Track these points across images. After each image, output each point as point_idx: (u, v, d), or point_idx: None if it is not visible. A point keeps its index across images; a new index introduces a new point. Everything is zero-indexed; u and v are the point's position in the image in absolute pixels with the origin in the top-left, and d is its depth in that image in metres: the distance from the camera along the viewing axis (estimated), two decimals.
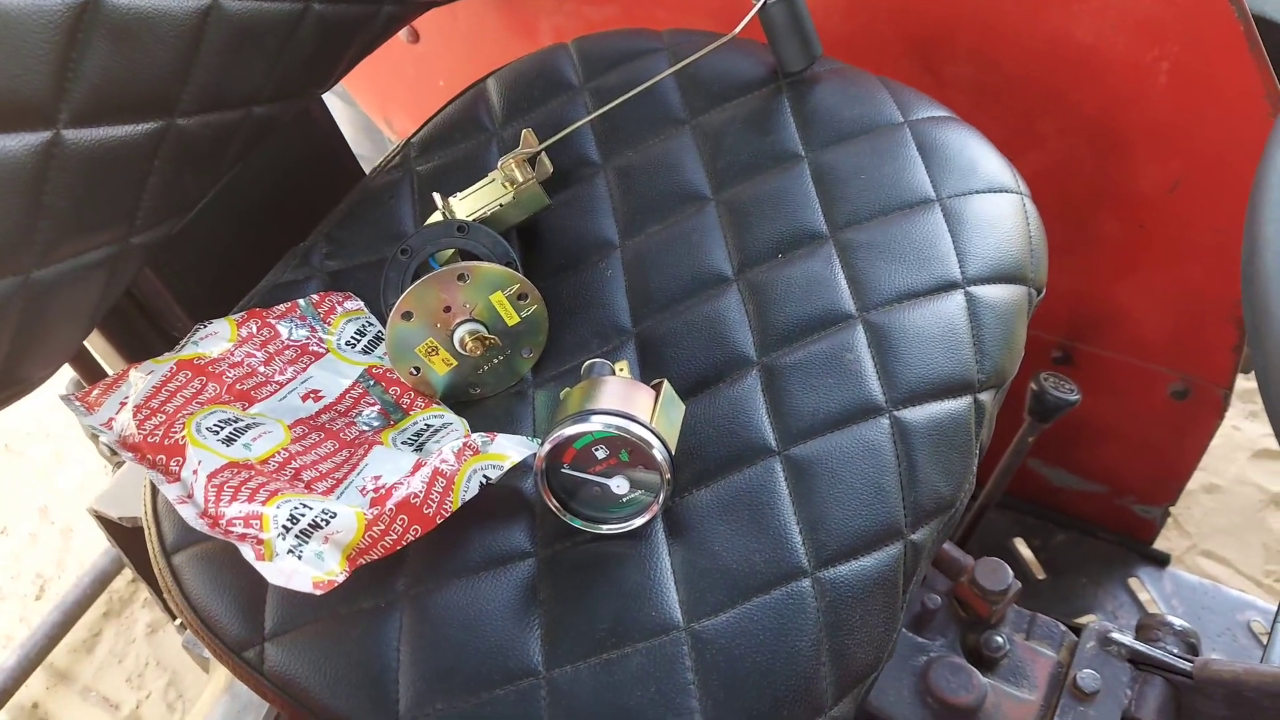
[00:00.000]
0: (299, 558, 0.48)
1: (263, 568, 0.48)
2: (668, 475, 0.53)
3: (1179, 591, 1.29)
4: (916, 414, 0.58)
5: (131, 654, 1.64)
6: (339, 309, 0.66)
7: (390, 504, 0.51)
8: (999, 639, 0.88)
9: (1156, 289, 1.05)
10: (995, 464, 1.05)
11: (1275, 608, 1.23)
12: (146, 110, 0.54)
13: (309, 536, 0.49)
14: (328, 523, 0.49)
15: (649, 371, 0.62)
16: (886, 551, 0.55)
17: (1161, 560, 1.31)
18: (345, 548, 0.50)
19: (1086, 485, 1.30)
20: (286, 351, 0.62)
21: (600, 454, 0.53)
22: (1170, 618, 0.91)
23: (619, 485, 0.54)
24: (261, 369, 0.61)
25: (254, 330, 0.63)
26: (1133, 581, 1.30)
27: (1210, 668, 0.84)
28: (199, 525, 0.50)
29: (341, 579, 0.49)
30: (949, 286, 0.63)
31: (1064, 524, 1.34)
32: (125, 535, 1.00)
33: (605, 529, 0.54)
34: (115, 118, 0.52)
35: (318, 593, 0.48)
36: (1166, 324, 1.08)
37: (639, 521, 0.54)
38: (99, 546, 1.64)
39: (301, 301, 0.65)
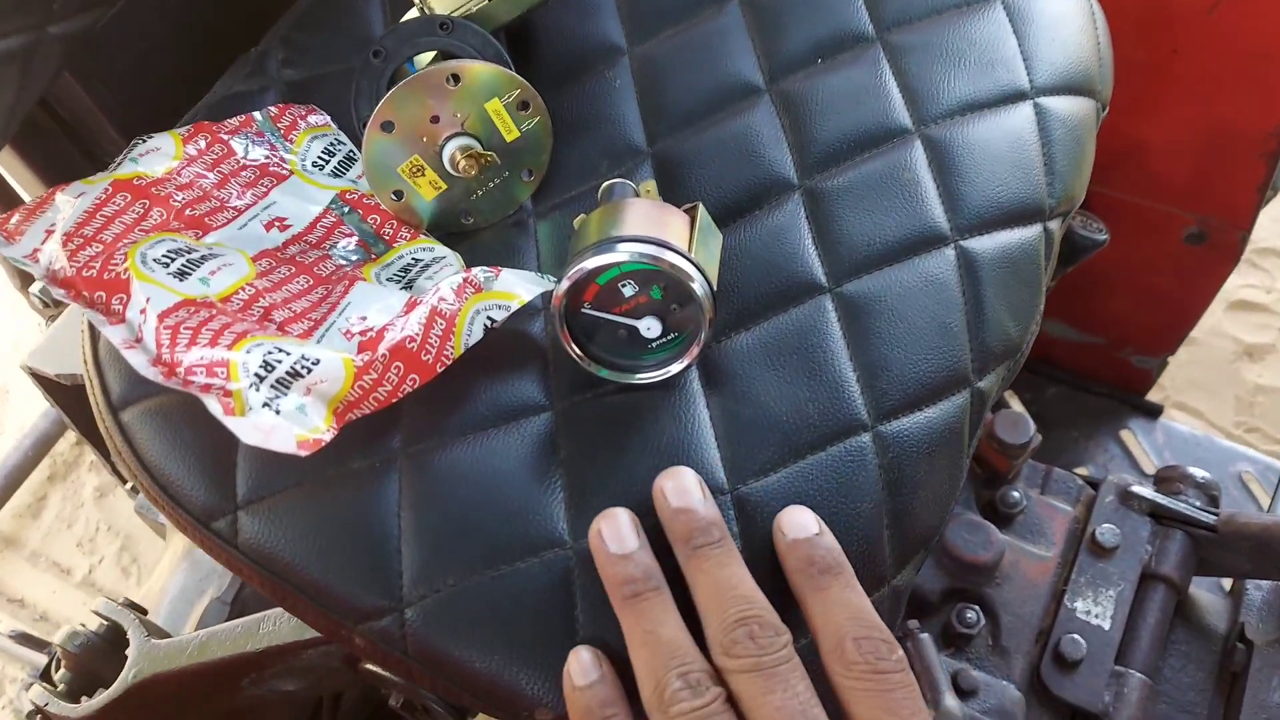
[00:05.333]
0: (277, 412, 0.40)
1: (234, 424, 0.39)
2: (710, 314, 0.45)
3: (1170, 443, 1.26)
4: (985, 243, 0.51)
5: (81, 518, 1.57)
6: (302, 124, 0.56)
7: (383, 348, 0.43)
8: (1015, 494, 0.83)
9: (1183, 122, 0.98)
10: None
11: (1266, 459, 1.21)
12: None
13: (287, 387, 0.41)
14: (309, 370, 0.41)
15: (671, 197, 0.53)
16: (952, 401, 0.48)
17: (1154, 412, 1.27)
18: (331, 400, 0.42)
19: (1084, 337, 1.25)
20: (243, 173, 0.52)
21: (628, 290, 0.45)
22: (1191, 469, 0.87)
23: (649, 327, 0.46)
24: (215, 192, 0.51)
25: (203, 147, 0.52)
26: (1124, 434, 1.27)
27: (1236, 520, 0.80)
28: (151, 374, 0.41)
29: (328, 437, 0.41)
30: (1016, 96, 0.54)
31: (1056, 378, 1.30)
32: (65, 394, 0.91)
33: (638, 378, 0.47)
34: None
35: (302, 454, 0.40)
36: (1188, 161, 1.01)
37: (676, 368, 0.46)
38: (39, 407, 1.55)
39: (258, 115, 0.55)
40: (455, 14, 0.56)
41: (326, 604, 0.43)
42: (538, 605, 0.42)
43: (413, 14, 0.57)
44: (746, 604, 0.39)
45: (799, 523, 0.42)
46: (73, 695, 0.81)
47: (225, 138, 0.53)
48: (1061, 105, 0.55)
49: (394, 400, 0.43)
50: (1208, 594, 0.84)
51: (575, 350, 0.46)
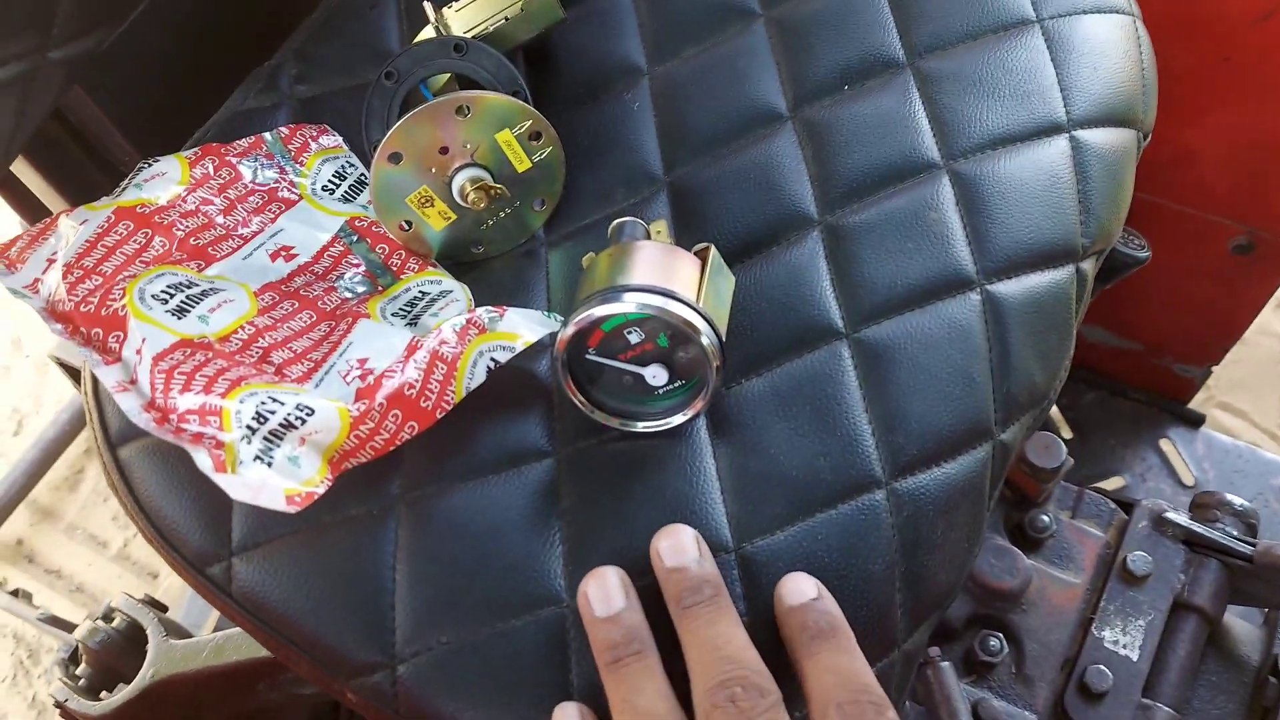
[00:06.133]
0: (268, 465, 0.39)
1: (224, 481, 0.39)
2: (717, 364, 0.43)
3: (1210, 454, 1.22)
4: (1012, 287, 0.49)
5: None
6: (313, 145, 0.54)
7: (381, 396, 0.42)
8: (1045, 518, 0.81)
9: (1232, 131, 0.94)
10: None
11: None
12: None
13: (280, 438, 0.40)
14: (304, 421, 0.40)
15: (685, 229, 0.52)
16: (973, 455, 0.46)
17: (1195, 421, 1.23)
18: (326, 450, 0.41)
19: (1122, 343, 1.22)
20: (251, 198, 0.51)
21: (634, 338, 0.44)
22: (1229, 496, 0.84)
23: (655, 375, 0.44)
24: (221, 219, 0.50)
25: (210, 170, 0.51)
26: (1164, 443, 1.23)
27: (1274, 552, 0.77)
28: (143, 421, 0.41)
29: (321, 490, 0.40)
30: (1051, 130, 0.52)
31: (1094, 383, 1.27)
32: None
33: (640, 427, 0.45)
34: None
35: (292, 510, 0.39)
36: (1238, 171, 0.97)
37: (679, 419, 0.45)
38: None
39: (268, 136, 0.54)
40: (471, 33, 0.55)
41: (319, 658, 0.42)
42: (534, 665, 0.41)
43: (428, 32, 0.56)
44: (732, 665, 0.37)
45: (797, 589, 0.41)
46: (93, 691, 0.82)
47: (233, 160, 0.52)
48: (1100, 138, 0.53)
49: (391, 448, 0.42)
50: (1242, 622, 0.82)
51: (579, 398, 0.45)
